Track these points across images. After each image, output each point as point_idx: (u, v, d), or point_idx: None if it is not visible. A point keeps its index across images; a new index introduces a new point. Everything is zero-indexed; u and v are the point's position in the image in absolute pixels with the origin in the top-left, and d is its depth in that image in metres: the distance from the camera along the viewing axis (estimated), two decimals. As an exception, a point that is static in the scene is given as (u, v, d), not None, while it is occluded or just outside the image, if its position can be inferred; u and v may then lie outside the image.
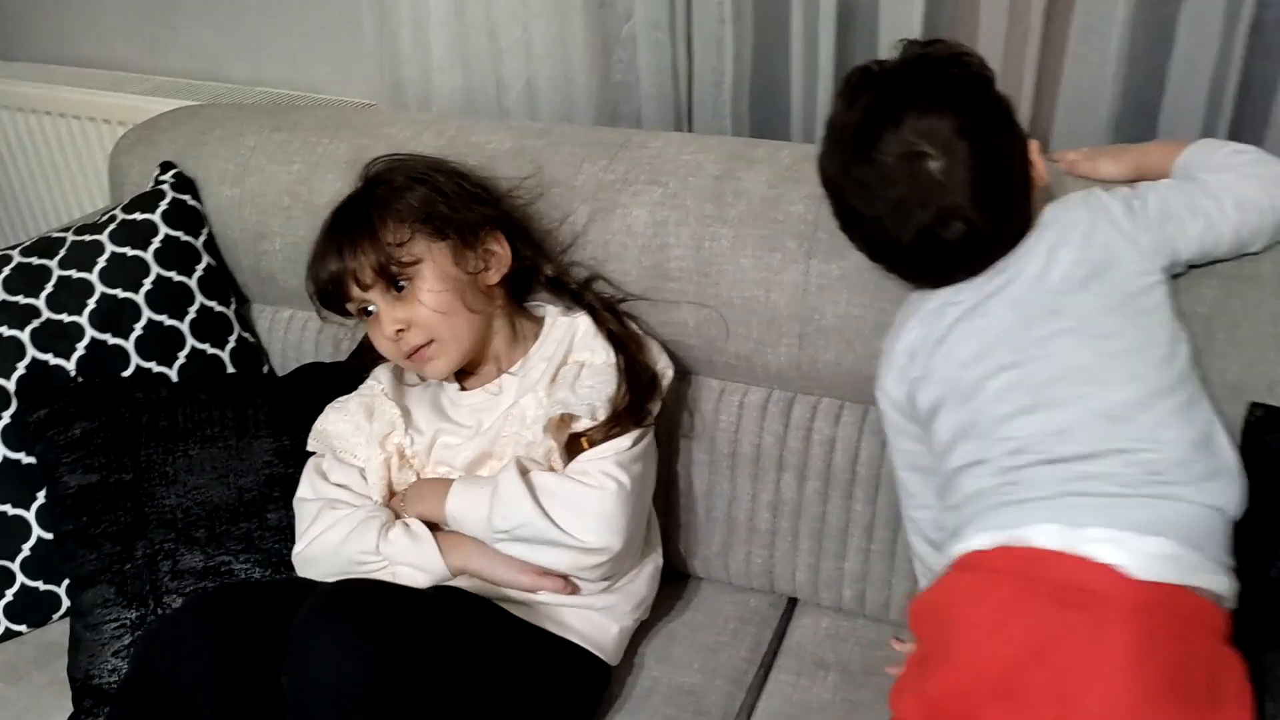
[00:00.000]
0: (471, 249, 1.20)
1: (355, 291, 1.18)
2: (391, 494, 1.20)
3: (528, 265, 1.25)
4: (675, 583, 1.34)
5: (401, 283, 1.16)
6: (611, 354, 1.18)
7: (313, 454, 1.25)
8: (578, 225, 1.29)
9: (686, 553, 1.36)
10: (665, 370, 1.23)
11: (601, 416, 1.14)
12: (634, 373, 1.18)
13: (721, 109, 1.59)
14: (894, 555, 1.24)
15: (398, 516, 1.16)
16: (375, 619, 0.94)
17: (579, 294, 1.25)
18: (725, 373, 1.29)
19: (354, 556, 1.12)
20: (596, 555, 1.10)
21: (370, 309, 1.19)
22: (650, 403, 1.19)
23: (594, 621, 1.15)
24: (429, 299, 1.16)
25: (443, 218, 1.18)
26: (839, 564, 1.28)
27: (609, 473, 1.12)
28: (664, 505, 1.33)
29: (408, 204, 1.18)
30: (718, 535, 1.33)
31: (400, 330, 1.17)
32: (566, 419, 1.15)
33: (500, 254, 1.22)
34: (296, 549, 1.17)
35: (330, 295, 1.20)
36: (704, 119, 1.62)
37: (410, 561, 1.12)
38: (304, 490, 1.21)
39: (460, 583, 1.13)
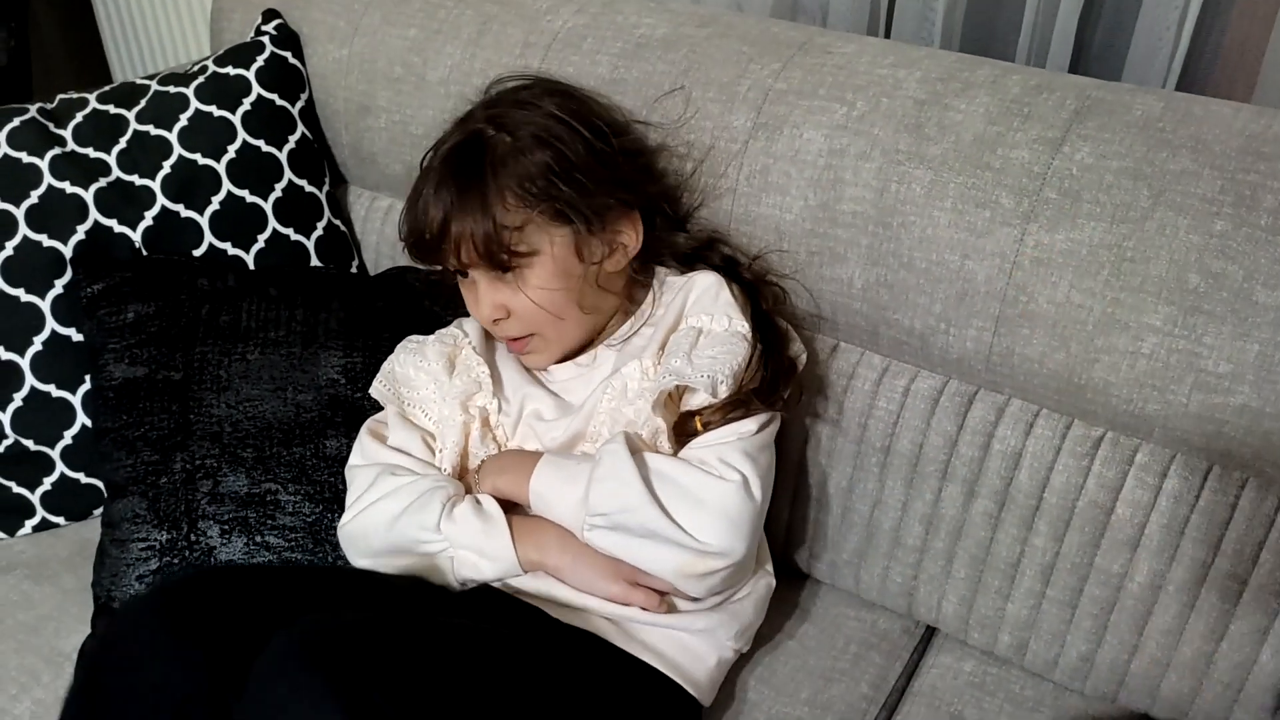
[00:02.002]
0: (597, 235, 0.96)
1: (452, 259, 0.97)
2: (464, 469, 0.99)
3: (659, 242, 1.02)
4: (791, 585, 1.12)
5: (509, 267, 0.95)
6: (739, 322, 0.95)
7: (370, 407, 1.05)
8: (734, 143, 1.04)
9: (811, 554, 1.13)
10: (799, 354, 1.00)
11: (724, 392, 0.91)
12: (768, 344, 0.95)
13: (931, 16, 1.29)
14: (1075, 607, 0.99)
15: (468, 491, 0.96)
16: (367, 679, 0.70)
17: (703, 255, 1.03)
18: (892, 349, 1.03)
19: (412, 533, 0.92)
20: (714, 560, 0.88)
21: (468, 272, 0.98)
22: (784, 387, 0.96)
23: (688, 647, 0.93)
24: (537, 295, 0.95)
25: (569, 202, 0.94)
26: (1000, 604, 1.03)
27: (731, 461, 0.90)
28: (791, 494, 1.10)
29: (529, 175, 0.94)
30: (852, 540, 1.09)
31: (499, 319, 0.98)
32: (677, 393, 0.93)
33: (630, 241, 0.99)
34: (343, 520, 0.98)
35: (424, 246, 0.98)
36: (905, 26, 1.33)
37: (474, 546, 0.91)
38: (357, 458, 1.01)
39: (522, 581, 0.93)
